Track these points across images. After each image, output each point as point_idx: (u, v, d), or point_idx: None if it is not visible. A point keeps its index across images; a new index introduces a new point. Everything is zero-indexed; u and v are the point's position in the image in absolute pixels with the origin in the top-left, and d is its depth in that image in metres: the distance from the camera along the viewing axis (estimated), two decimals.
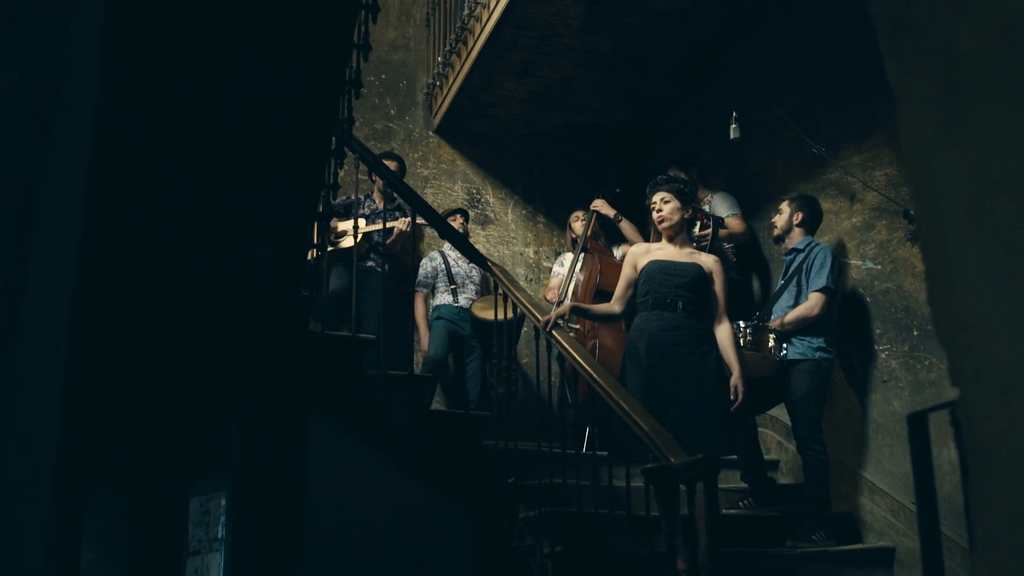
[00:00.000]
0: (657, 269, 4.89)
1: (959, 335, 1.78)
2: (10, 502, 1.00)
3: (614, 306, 5.09)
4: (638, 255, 5.06)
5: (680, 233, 5.02)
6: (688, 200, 5.07)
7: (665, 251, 5.00)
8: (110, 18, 1.50)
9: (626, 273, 5.05)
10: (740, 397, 4.72)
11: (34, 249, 1.04)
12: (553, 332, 4.81)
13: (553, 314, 4.97)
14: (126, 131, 3.36)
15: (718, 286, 4.92)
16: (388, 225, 6.51)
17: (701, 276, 4.87)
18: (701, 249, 5.34)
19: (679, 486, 3.51)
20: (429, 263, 6.96)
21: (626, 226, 6.71)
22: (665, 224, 5.00)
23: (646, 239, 6.55)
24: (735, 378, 4.75)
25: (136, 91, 3.21)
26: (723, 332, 4.86)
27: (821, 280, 5.18)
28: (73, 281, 1.29)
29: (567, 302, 6.23)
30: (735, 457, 5.37)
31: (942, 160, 1.84)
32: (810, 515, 4.97)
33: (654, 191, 5.07)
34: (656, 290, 4.85)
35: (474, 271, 6.78)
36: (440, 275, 6.85)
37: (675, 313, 4.80)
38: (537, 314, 4.98)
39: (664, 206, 4.99)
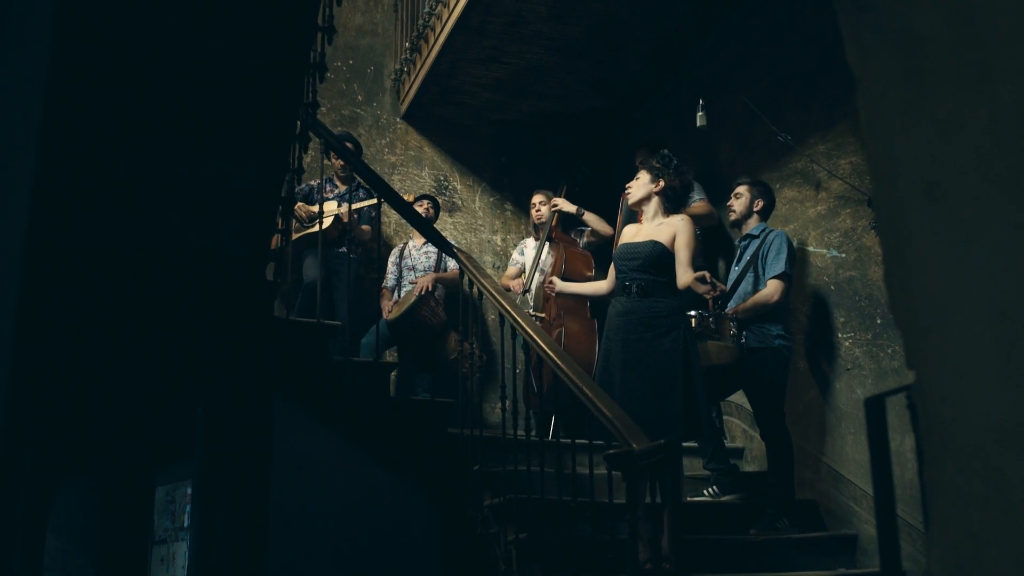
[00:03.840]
0: (620, 253, 4.87)
1: (916, 318, 1.78)
2: None
3: (603, 284, 5.23)
4: (621, 237, 5.06)
5: (652, 207, 4.91)
6: (659, 173, 4.94)
7: (630, 232, 4.96)
8: (63, 10, 1.47)
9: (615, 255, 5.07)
10: (714, 284, 4.65)
11: None
12: (520, 320, 4.78)
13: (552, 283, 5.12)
14: (85, 109, 3.32)
15: (680, 243, 4.74)
16: (357, 206, 6.48)
17: (656, 252, 4.71)
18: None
19: (642, 472, 3.52)
20: (391, 258, 6.94)
21: (590, 217, 6.72)
22: (631, 200, 4.98)
23: (612, 225, 6.57)
24: (699, 275, 4.63)
25: (94, 69, 3.17)
26: (682, 276, 4.68)
27: (779, 266, 5.18)
28: (21, 263, 1.28)
29: (532, 292, 6.25)
30: (695, 444, 5.39)
31: (901, 143, 1.84)
32: (775, 503, 4.99)
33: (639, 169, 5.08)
34: (618, 275, 4.83)
35: (430, 258, 6.75)
36: (404, 270, 6.81)
37: (629, 297, 4.72)
38: (503, 301, 4.97)
39: (634, 182, 4.97)
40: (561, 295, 5.74)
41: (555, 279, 5.91)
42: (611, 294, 5.01)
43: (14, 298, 1.24)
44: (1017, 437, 1.44)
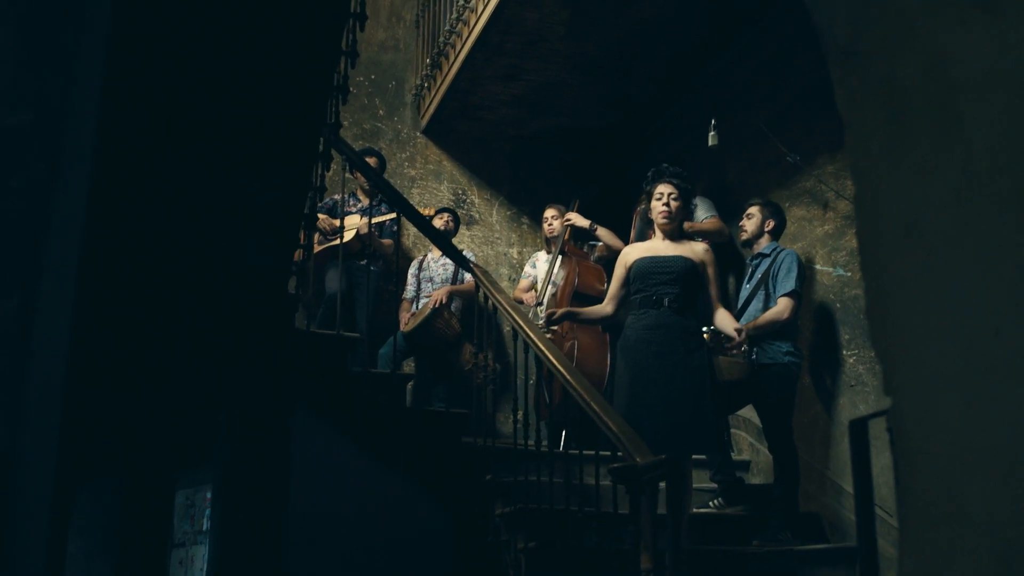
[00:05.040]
0: (645, 266, 4.85)
1: (893, 347, 1.93)
2: (21, 498, 1.14)
3: (606, 306, 5.08)
4: (629, 254, 5.02)
5: (677, 225, 4.97)
6: (689, 198, 5.06)
7: (655, 247, 4.95)
8: (113, 36, 1.62)
9: (618, 273, 5.03)
10: (743, 337, 4.77)
11: (46, 265, 1.17)
12: (532, 335, 4.92)
13: (553, 312, 5.11)
14: (126, 133, 3.49)
15: (710, 275, 4.88)
16: (377, 220, 6.65)
17: (688, 268, 4.80)
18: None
19: (645, 485, 3.66)
20: (410, 270, 7.08)
21: (603, 233, 6.82)
22: (667, 222, 4.92)
23: (624, 241, 6.68)
24: (733, 331, 4.77)
25: (136, 96, 3.33)
26: (720, 315, 4.85)
27: (789, 284, 5.31)
28: (75, 285, 1.42)
29: (544, 304, 6.37)
30: (703, 456, 5.51)
31: (883, 184, 1.99)
32: (779, 515, 5.11)
33: (660, 180, 4.99)
34: (644, 288, 4.82)
35: (447, 270, 6.87)
36: (422, 282, 6.96)
37: (660, 311, 4.75)
38: (516, 316, 5.11)
39: (672, 202, 4.91)
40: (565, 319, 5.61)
41: (561, 308, 5.73)
42: (615, 313, 5.06)
43: (69, 325, 1.39)
44: (981, 462, 1.58)
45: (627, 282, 4.94)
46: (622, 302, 5.01)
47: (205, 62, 3.38)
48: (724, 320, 4.84)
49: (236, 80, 3.55)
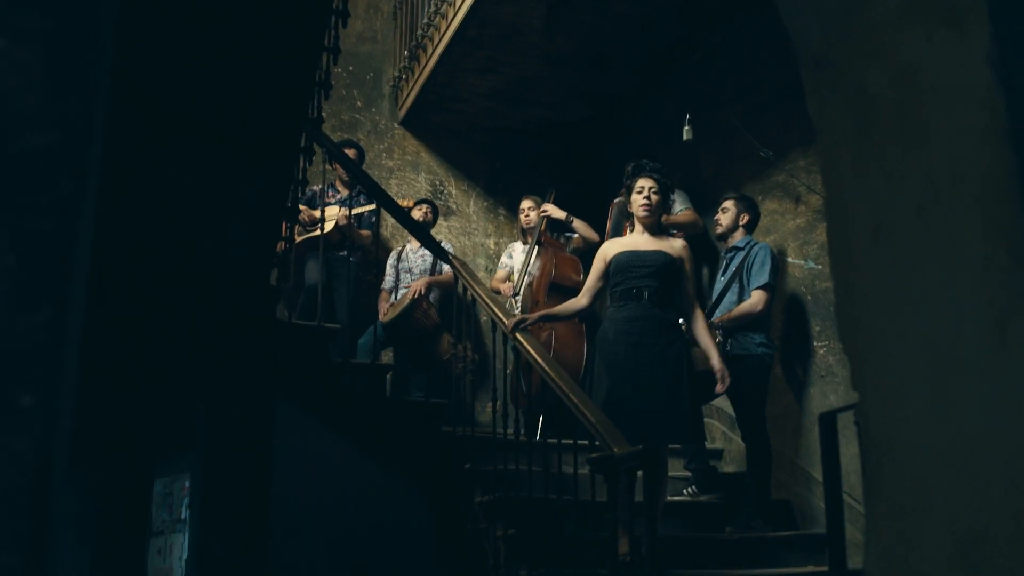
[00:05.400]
0: (625, 259, 4.89)
1: (860, 345, 2.04)
2: (53, 500, 1.23)
3: (582, 299, 5.11)
4: (609, 248, 5.07)
5: (655, 222, 5.02)
6: (668, 193, 5.11)
7: (635, 241, 4.99)
8: (117, 46, 1.70)
9: (596, 266, 5.05)
10: (726, 381, 4.79)
11: (72, 279, 1.26)
12: (517, 335, 5.00)
13: (524, 319, 5.09)
14: (125, 136, 3.56)
15: (688, 271, 4.94)
16: (356, 211, 6.72)
17: (667, 262, 4.85)
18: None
19: (622, 474, 3.77)
20: (389, 261, 7.15)
21: (579, 224, 6.91)
22: (647, 215, 4.96)
23: (600, 233, 6.78)
24: (717, 363, 4.80)
25: (133, 102, 3.41)
26: (697, 325, 4.90)
27: (763, 277, 5.43)
28: (86, 284, 1.50)
29: (521, 295, 6.46)
30: (678, 446, 5.62)
31: (852, 189, 2.10)
32: (750, 503, 5.24)
33: (641, 175, 5.03)
34: (623, 281, 4.87)
35: (426, 261, 6.94)
36: (401, 272, 7.03)
37: (640, 303, 4.80)
38: (495, 307, 5.20)
39: (652, 195, 4.95)
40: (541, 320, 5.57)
41: (534, 313, 5.71)
42: (590, 305, 5.12)
43: (81, 330, 1.46)
44: (942, 455, 1.69)
45: (605, 275, 4.99)
46: (598, 295, 5.06)
47: (192, 63, 3.45)
48: (701, 333, 4.89)
49: (221, 79, 3.62)
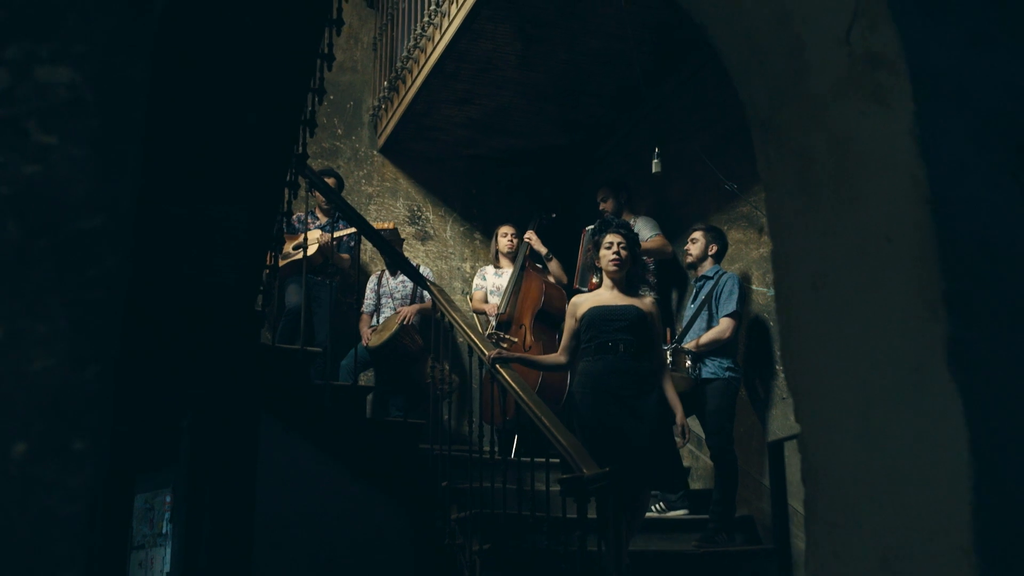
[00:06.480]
0: (597, 315, 4.92)
1: (800, 382, 2.28)
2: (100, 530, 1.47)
3: (560, 357, 5.11)
4: (578, 305, 5.07)
5: (623, 278, 5.05)
6: (636, 248, 5.14)
7: (603, 297, 5.03)
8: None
9: (568, 325, 5.07)
10: (687, 436, 4.91)
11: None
12: (486, 352, 5.21)
13: (503, 356, 5.18)
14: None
15: (657, 330, 5.00)
16: (338, 234, 6.89)
17: (639, 316, 4.90)
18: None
19: (590, 495, 3.99)
20: (369, 284, 7.29)
21: (554, 266, 7.12)
22: (617, 269, 5.00)
23: (570, 277, 6.99)
24: (679, 419, 4.84)
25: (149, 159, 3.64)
26: (665, 383, 4.92)
27: (731, 306, 5.70)
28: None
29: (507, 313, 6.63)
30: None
31: (794, 241, 2.34)
32: (716, 518, 5.48)
33: (608, 231, 5.08)
34: (597, 335, 4.88)
35: (407, 286, 7.09)
36: (382, 297, 7.17)
37: (617, 356, 4.83)
38: (472, 335, 5.41)
39: (622, 251, 4.99)
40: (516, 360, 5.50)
41: (508, 354, 5.61)
42: (568, 364, 5.13)
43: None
44: (869, 480, 1.92)
45: (577, 334, 5.01)
46: (574, 352, 5.06)
47: (193, 117, 3.66)
48: (668, 388, 4.94)
49: (216, 127, 3.84)
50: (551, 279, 7.12)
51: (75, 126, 1.50)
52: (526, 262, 7.10)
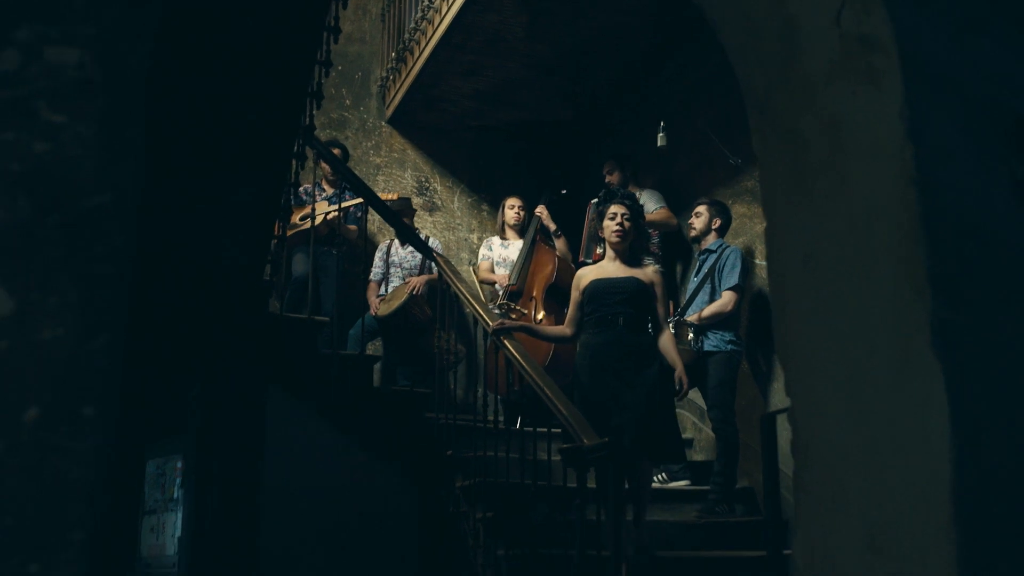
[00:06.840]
0: (598, 287, 4.97)
1: (791, 357, 2.33)
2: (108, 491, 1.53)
3: (566, 329, 5.18)
4: (582, 277, 5.13)
5: (627, 248, 5.08)
6: (639, 219, 5.18)
7: (606, 269, 5.08)
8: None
9: (574, 297, 5.12)
10: (685, 387, 4.93)
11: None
12: (491, 323, 5.27)
13: (506, 326, 5.21)
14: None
15: (659, 295, 5.00)
16: (345, 205, 6.92)
17: (639, 288, 4.93)
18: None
19: (589, 464, 4.06)
20: (378, 253, 7.34)
21: (560, 244, 7.16)
22: (620, 240, 5.04)
23: (575, 254, 7.03)
24: (679, 371, 4.89)
25: (157, 135, 3.69)
26: (665, 338, 4.98)
27: (733, 279, 5.75)
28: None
29: (502, 318, 6.68)
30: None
31: (786, 220, 2.39)
32: (717, 489, 5.56)
33: (612, 202, 5.11)
34: (598, 308, 4.94)
35: (415, 257, 7.10)
36: (390, 267, 7.20)
37: (616, 329, 4.87)
38: (476, 306, 5.47)
39: (625, 222, 5.02)
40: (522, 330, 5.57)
41: (511, 322, 5.72)
42: (574, 336, 5.17)
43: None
44: (855, 455, 1.97)
45: (582, 305, 5.07)
46: (579, 324, 5.11)
47: (201, 91, 3.71)
48: (668, 346, 4.99)
49: (225, 99, 3.89)
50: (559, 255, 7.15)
51: (83, 105, 1.55)
52: (537, 235, 7.14)
